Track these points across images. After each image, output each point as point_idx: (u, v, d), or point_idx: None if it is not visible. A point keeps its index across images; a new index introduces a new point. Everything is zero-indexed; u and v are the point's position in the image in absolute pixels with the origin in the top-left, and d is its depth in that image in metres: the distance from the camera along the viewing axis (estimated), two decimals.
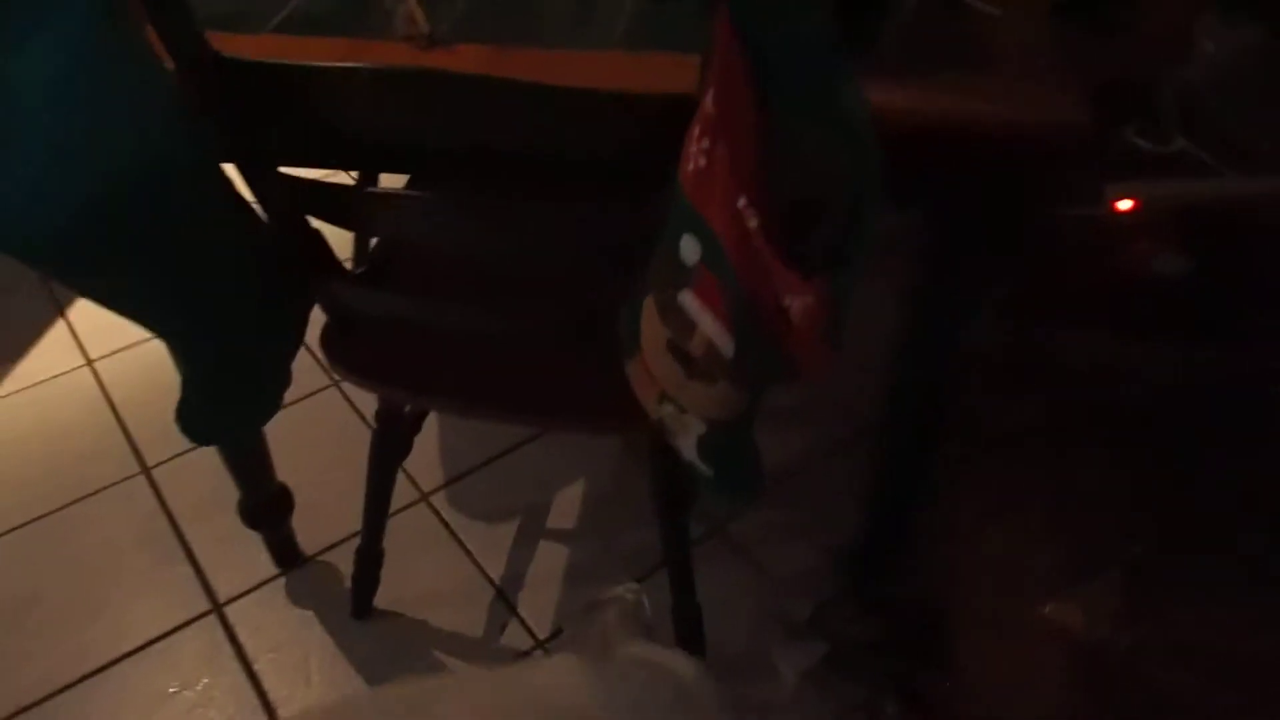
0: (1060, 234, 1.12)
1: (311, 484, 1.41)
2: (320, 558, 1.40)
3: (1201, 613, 0.75)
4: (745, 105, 0.60)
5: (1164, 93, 1.22)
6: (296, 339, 0.98)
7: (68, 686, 1.25)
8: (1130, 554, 0.80)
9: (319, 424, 1.61)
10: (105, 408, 1.67)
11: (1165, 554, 0.80)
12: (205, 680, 1.25)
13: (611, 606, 0.89)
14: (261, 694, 1.24)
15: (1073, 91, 0.79)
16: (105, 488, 1.52)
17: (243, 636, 1.30)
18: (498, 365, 1.02)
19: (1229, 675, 0.72)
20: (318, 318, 1.03)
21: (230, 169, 0.85)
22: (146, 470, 1.55)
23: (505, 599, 1.34)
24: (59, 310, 1.90)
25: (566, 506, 1.46)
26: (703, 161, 0.63)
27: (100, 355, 1.78)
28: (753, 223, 0.57)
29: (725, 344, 0.67)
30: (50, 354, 1.80)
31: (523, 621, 1.31)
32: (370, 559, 1.28)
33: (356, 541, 1.27)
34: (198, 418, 0.93)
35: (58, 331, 1.85)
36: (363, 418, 1.62)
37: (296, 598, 1.35)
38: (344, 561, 1.35)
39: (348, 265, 1.08)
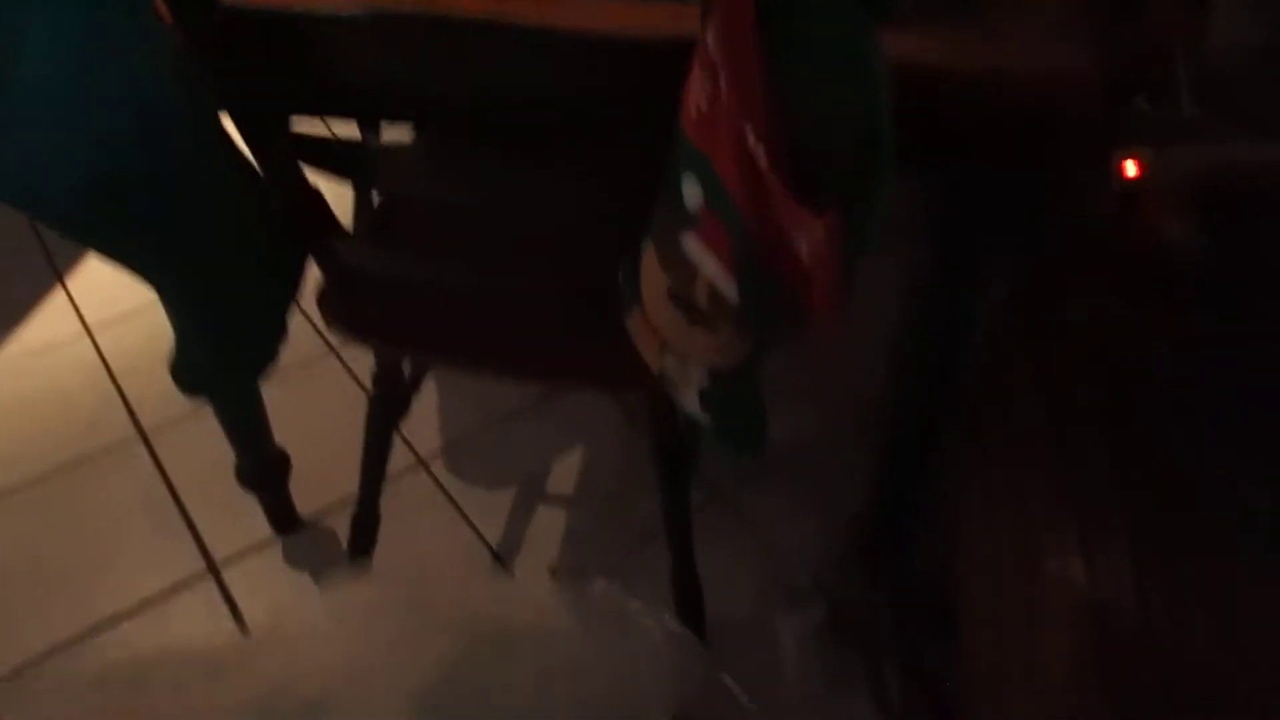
0: (1069, 201, 1.10)
1: (309, 449, 1.40)
2: (317, 522, 1.39)
3: (1210, 567, 0.74)
4: (750, 41, 0.58)
5: (1177, 61, 1.20)
6: (292, 290, 0.98)
7: (68, 644, 1.25)
8: (1136, 511, 0.79)
9: (317, 390, 1.60)
10: (104, 375, 1.66)
11: (1171, 510, 0.79)
12: None
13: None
14: None
15: (1077, 40, 0.78)
16: (104, 454, 1.52)
17: (239, 598, 1.30)
18: (497, 323, 1.01)
19: (1236, 629, 0.71)
20: (314, 285, 1.02)
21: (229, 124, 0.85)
22: (145, 437, 1.54)
23: (502, 564, 1.33)
24: (58, 278, 1.88)
25: (566, 473, 1.46)
26: (705, 102, 0.62)
27: (99, 324, 1.77)
28: (760, 155, 0.55)
29: (729, 288, 0.66)
30: (49, 322, 1.79)
31: None
32: (367, 522, 1.27)
33: (354, 506, 1.26)
34: (191, 368, 0.93)
35: (56, 300, 1.83)
36: (361, 385, 1.61)
37: (293, 561, 1.35)
38: (341, 525, 1.34)
39: (348, 228, 1.07)
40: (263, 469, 1.30)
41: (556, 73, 0.76)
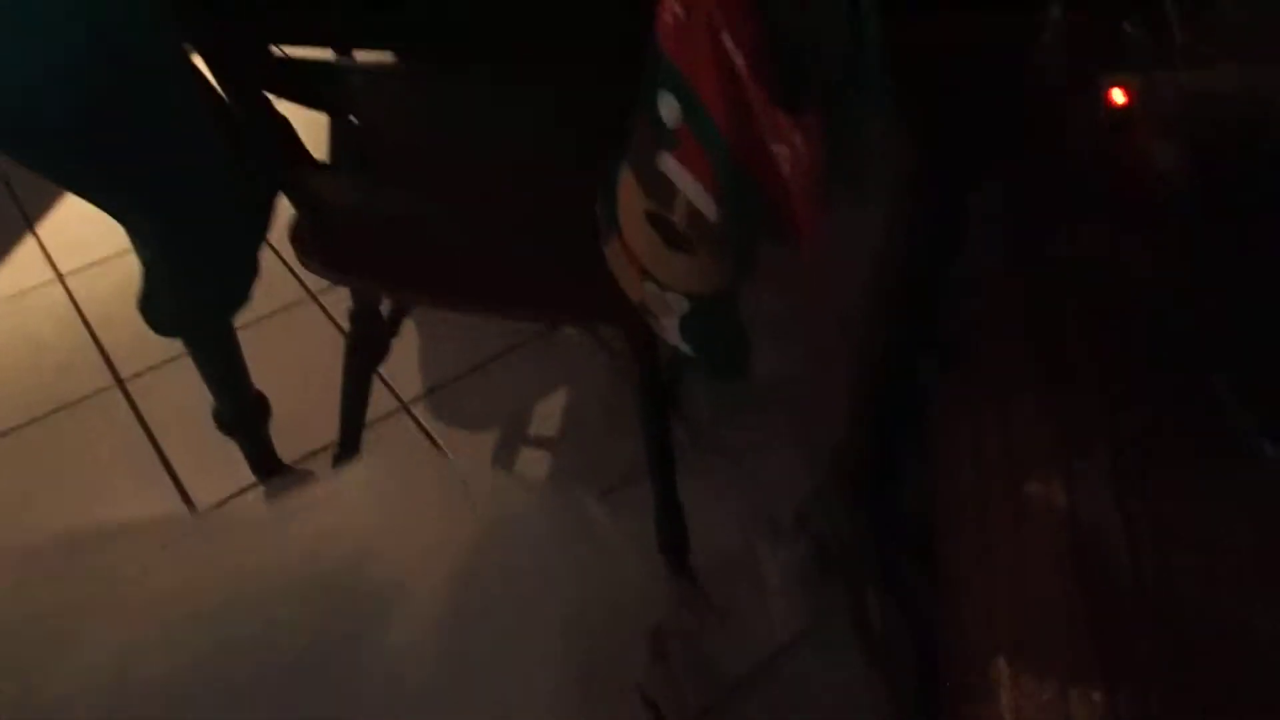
0: (1055, 128, 1.09)
1: (290, 394, 1.38)
2: (299, 466, 1.38)
3: (1191, 489, 0.74)
4: None
5: None
6: (262, 226, 0.95)
7: None
8: (1119, 435, 0.78)
9: (296, 336, 1.58)
10: (77, 322, 1.63)
11: (1153, 435, 0.79)
12: None
13: None
14: None
15: None
16: (80, 400, 1.50)
17: None
18: (476, 258, 0.99)
19: (1219, 552, 0.71)
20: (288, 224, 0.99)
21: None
22: (121, 383, 1.52)
23: None
24: (28, 225, 1.84)
25: (550, 416, 1.45)
26: (680, 10, 0.60)
27: (71, 270, 1.73)
28: (739, 60, 0.54)
29: (708, 206, 0.65)
30: (20, 269, 1.75)
31: None
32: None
33: (335, 450, 1.25)
34: (162, 307, 0.91)
35: (27, 246, 1.80)
36: (341, 330, 1.59)
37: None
38: (323, 469, 1.33)
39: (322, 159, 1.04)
40: (241, 413, 1.28)
41: None
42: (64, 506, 1.34)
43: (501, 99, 0.81)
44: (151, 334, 1.06)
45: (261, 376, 1.29)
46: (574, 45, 0.77)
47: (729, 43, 0.55)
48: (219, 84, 0.86)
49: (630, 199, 0.73)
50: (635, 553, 0.73)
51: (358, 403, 1.20)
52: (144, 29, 0.75)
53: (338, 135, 1.32)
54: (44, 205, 1.86)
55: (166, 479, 1.37)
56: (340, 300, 1.61)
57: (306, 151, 0.93)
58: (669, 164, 0.66)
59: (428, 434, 1.42)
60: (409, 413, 1.45)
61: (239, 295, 0.98)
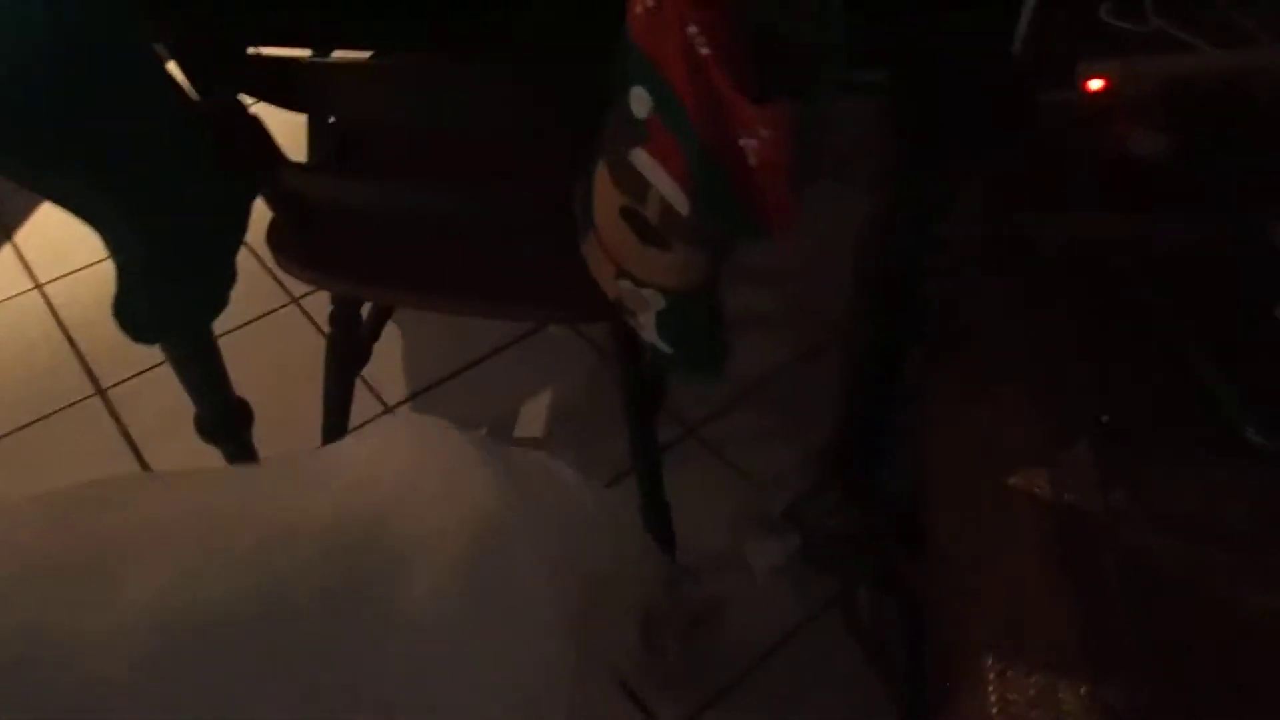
0: (1034, 116, 1.09)
1: (272, 400, 1.37)
2: None
3: (1176, 476, 0.74)
4: None
5: None
6: (238, 229, 0.94)
7: None
8: (1104, 423, 0.78)
9: (279, 341, 1.56)
10: (57, 331, 1.62)
11: (1140, 425, 0.78)
12: None
13: None
14: None
15: None
16: (61, 409, 1.48)
17: None
18: (454, 256, 0.99)
19: (1206, 541, 0.71)
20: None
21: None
22: (102, 391, 1.50)
23: None
24: (5, 234, 1.83)
25: (535, 416, 1.44)
26: (650, 1, 0.59)
27: (49, 279, 1.72)
28: (704, 50, 0.53)
29: (680, 201, 0.64)
30: None
31: None
32: None
33: None
34: (137, 313, 0.89)
35: (4, 255, 1.78)
36: (322, 333, 1.57)
37: None
38: None
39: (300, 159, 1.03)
40: (223, 420, 1.27)
41: None
42: None
43: (483, 93, 0.80)
44: (132, 342, 1.05)
45: (243, 382, 1.27)
46: (556, 40, 0.76)
47: (695, 33, 0.54)
48: (191, 85, 0.85)
49: (605, 193, 0.73)
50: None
51: (341, 407, 1.19)
52: (105, 27, 0.74)
53: (316, 134, 1.31)
54: (21, 213, 1.85)
55: None
56: (321, 304, 1.60)
57: (276, 147, 0.92)
58: (640, 158, 0.65)
59: None
60: (394, 416, 1.44)
61: (217, 300, 0.96)
